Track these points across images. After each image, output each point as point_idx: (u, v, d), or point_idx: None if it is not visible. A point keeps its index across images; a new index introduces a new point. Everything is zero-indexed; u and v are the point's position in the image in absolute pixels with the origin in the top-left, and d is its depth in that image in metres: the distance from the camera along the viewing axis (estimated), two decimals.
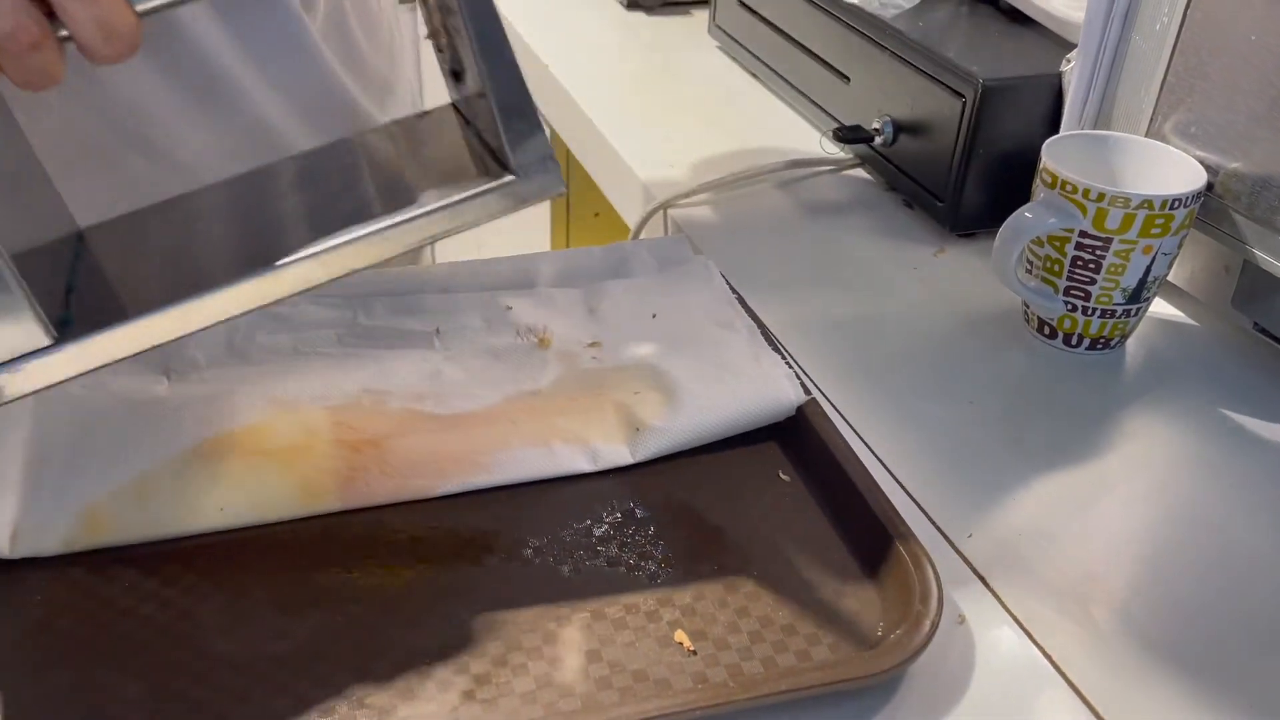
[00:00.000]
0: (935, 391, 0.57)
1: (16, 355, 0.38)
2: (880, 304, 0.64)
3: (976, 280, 0.66)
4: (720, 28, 0.97)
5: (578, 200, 1.10)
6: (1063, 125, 0.64)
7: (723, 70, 0.95)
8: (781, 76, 0.87)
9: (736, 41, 0.94)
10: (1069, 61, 0.65)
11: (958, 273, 0.67)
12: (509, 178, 0.43)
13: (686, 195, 0.74)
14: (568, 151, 1.05)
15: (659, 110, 0.87)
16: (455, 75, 0.48)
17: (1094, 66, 0.62)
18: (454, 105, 0.52)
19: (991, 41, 0.72)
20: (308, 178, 0.49)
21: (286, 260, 0.41)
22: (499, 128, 0.42)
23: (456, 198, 0.43)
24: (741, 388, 0.51)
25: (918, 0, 0.75)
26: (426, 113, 0.52)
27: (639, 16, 1.06)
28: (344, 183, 0.49)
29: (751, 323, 0.56)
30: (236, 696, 0.37)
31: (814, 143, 0.82)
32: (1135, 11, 0.60)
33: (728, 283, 0.60)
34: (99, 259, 0.46)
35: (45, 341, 0.38)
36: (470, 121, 0.48)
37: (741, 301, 0.58)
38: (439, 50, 0.49)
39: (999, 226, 0.57)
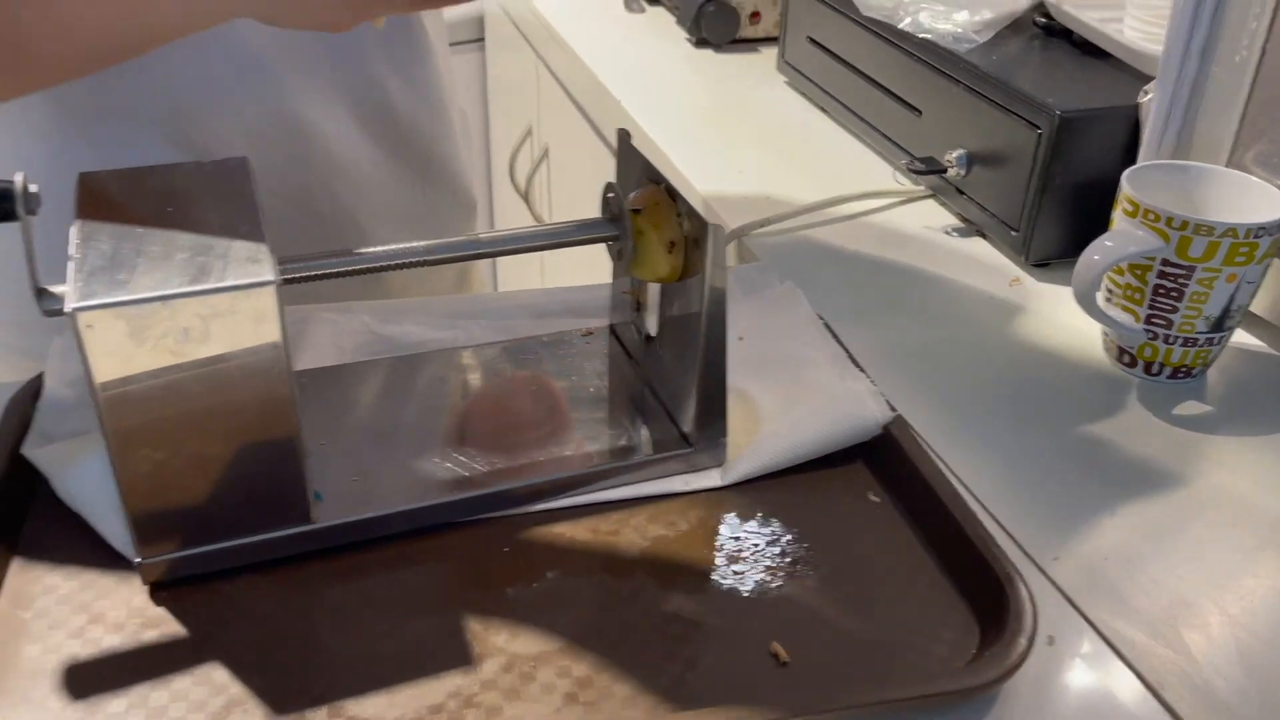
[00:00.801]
0: (1015, 418, 0.57)
1: (281, 533, 0.45)
2: (958, 332, 0.65)
3: (1053, 309, 0.67)
4: (789, 64, 0.99)
5: None
6: (1141, 156, 0.65)
7: (792, 104, 0.97)
8: (851, 110, 0.89)
9: (805, 77, 0.96)
10: (1146, 93, 0.66)
11: (1034, 301, 0.68)
12: (687, 449, 0.50)
13: (761, 224, 0.75)
14: None
15: (731, 144, 0.89)
16: (637, 306, 0.56)
17: (1172, 98, 0.62)
18: (613, 329, 0.59)
19: (1066, 74, 0.73)
20: (489, 376, 0.56)
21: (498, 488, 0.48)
22: (691, 405, 0.49)
23: (640, 459, 0.50)
24: (828, 407, 0.52)
25: (991, 35, 0.76)
26: (589, 331, 0.60)
27: (707, 53, 1.09)
28: (521, 395, 0.55)
29: (836, 345, 0.57)
30: (353, 690, 0.39)
31: (885, 175, 0.83)
32: (1214, 45, 0.61)
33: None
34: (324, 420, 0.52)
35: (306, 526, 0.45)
36: (641, 364, 0.56)
37: (826, 326, 0.59)
38: (635, 305, 0.56)
39: (1073, 256, 0.58)
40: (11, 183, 0.40)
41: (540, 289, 0.64)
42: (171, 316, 0.39)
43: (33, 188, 0.41)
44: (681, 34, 1.12)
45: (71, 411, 0.51)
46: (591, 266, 1.18)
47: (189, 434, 0.41)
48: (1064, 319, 0.65)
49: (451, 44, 0.80)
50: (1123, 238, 0.57)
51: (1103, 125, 0.67)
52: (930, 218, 0.78)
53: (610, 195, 0.51)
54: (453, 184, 0.77)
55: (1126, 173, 0.59)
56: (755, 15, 1.08)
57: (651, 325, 0.54)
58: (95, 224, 0.43)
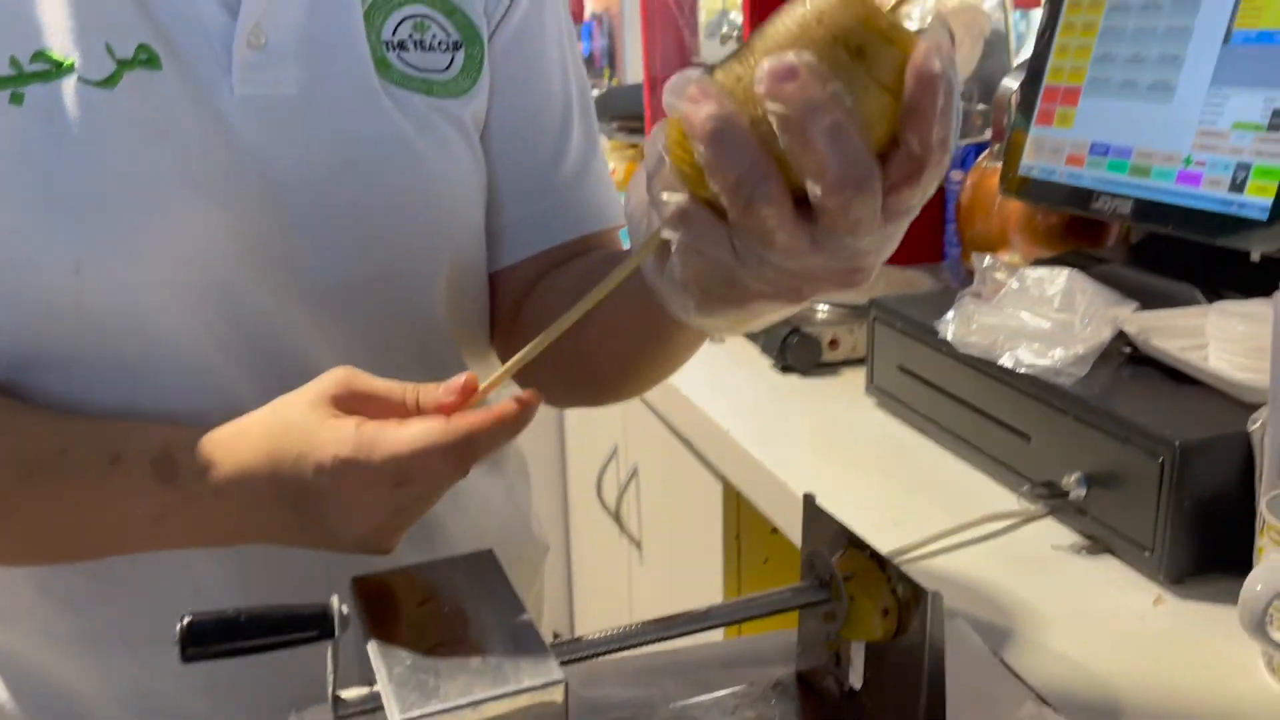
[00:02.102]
0: None
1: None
2: (1114, 652, 0.67)
3: (1204, 628, 0.70)
4: (879, 388, 1.07)
5: (749, 548, 1.16)
6: (1265, 484, 0.70)
7: (887, 426, 1.03)
8: (952, 433, 0.95)
9: (897, 400, 1.03)
10: (1255, 420, 0.72)
11: (1183, 621, 0.71)
12: None
13: (898, 555, 0.79)
14: (738, 498, 1.12)
15: (841, 468, 0.95)
16: (836, 660, 0.57)
17: None
18: (800, 678, 0.61)
19: (1166, 401, 0.79)
20: None
21: None
22: None
23: None
24: None
25: (1088, 369, 0.84)
26: (779, 683, 0.60)
27: (793, 378, 1.17)
28: None
29: (1016, 680, 0.60)
30: None
31: (997, 495, 0.88)
32: None
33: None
34: None
35: None
36: (845, 717, 0.57)
37: (1001, 662, 0.62)
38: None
39: (1208, 572, 0.62)
40: (328, 604, 0.45)
41: (720, 641, 0.68)
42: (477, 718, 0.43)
43: (344, 609, 0.46)
44: (766, 361, 1.21)
45: None
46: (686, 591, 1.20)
47: None
48: (1218, 637, 0.68)
49: None
50: (1279, 569, 0.61)
51: (1219, 451, 0.73)
52: (1055, 537, 0.82)
53: (814, 561, 0.55)
54: (522, 542, 0.81)
55: (1266, 502, 0.64)
56: (834, 342, 1.18)
57: (855, 679, 0.57)
58: (388, 634, 0.47)
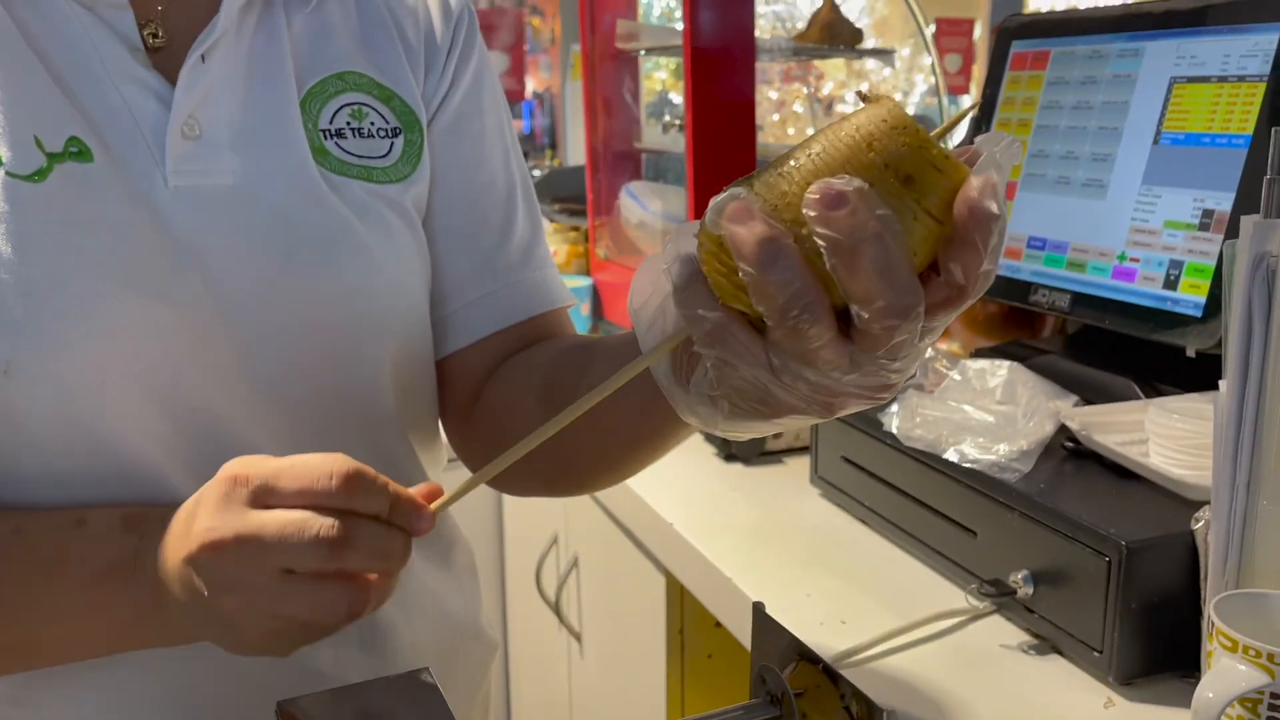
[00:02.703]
0: None
1: None
2: None
3: None
4: (823, 478, 1.06)
5: (692, 642, 1.13)
6: (1210, 585, 0.70)
7: (831, 516, 1.02)
8: (897, 526, 0.94)
9: (842, 491, 1.03)
10: (1198, 520, 0.72)
11: None
12: None
13: (847, 657, 0.77)
14: (681, 591, 1.10)
15: (785, 561, 0.93)
16: None
17: (1228, 531, 0.68)
18: None
19: (1110, 498, 0.79)
20: None
21: None
22: None
23: None
24: None
25: (1031, 464, 0.84)
26: None
27: (737, 466, 1.16)
28: None
29: None
30: None
31: (943, 590, 0.87)
32: (1257, 481, 0.68)
33: None
34: None
35: None
36: None
37: None
38: None
39: (1158, 672, 0.61)
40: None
41: None
42: None
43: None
44: (709, 448, 1.20)
45: None
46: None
47: None
48: None
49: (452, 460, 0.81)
50: (1229, 675, 0.60)
51: (1164, 551, 0.73)
52: (1003, 635, 0.81)
53: (765, 676, 0.53)
54: (472, 642, 0.78)
55: (1213, 607, 0.63)
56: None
57: None
58: None
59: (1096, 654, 0.74)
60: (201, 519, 0.49)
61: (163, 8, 0.62)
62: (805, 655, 0.54)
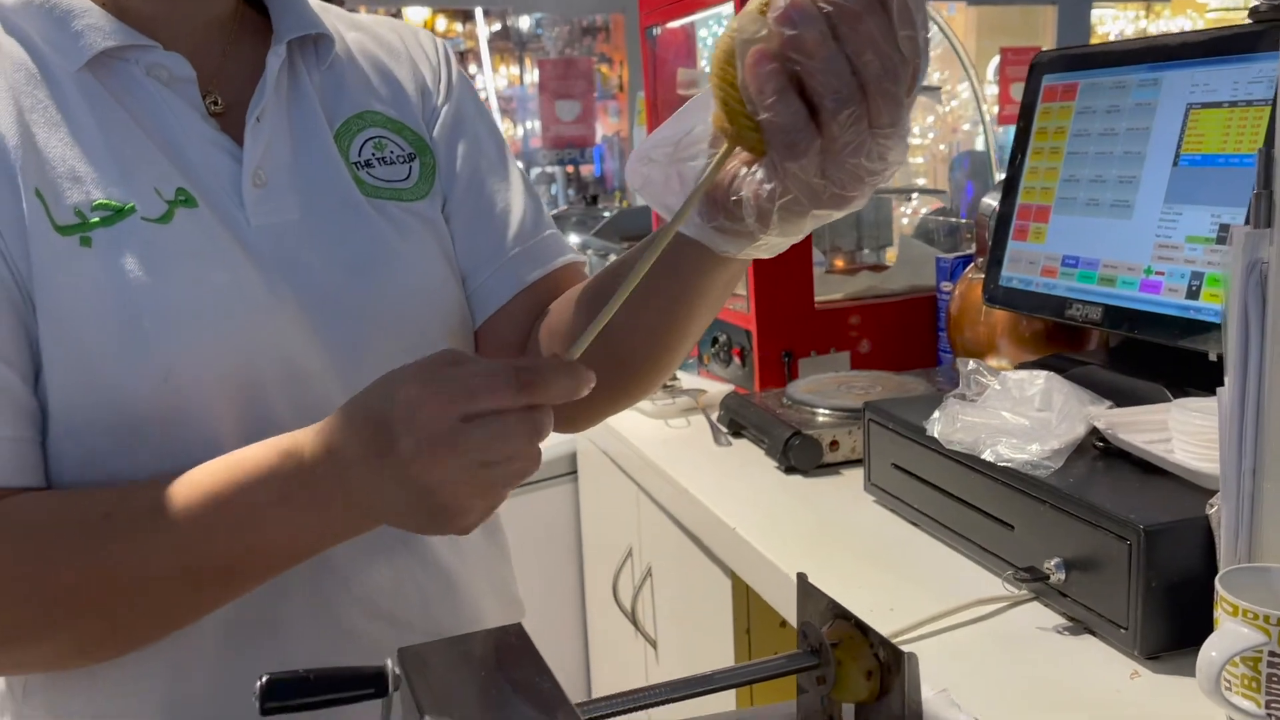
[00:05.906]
0: None
1: None
2: None
3: (1178, 697, 0.75)
4: (876, 485, 1.14)
5: (758, 640, 1.21)
6: (1222, 561, 0.76)
7: (884, 520, 1.10)
8: (943, 524, 1.02)
9: (893, 496, 1.10)
10: (1212, 505, 0.79)
11: (1158, 694, 0.77)
12: None
13: (894, 639, 0.85)
14: (747, 592, 1.18)
15: (842, 559, 1.01)
16: None
17: (1237, 513, 0.75)
18: None
19: (1135, 490, 0.86)
20: None
21: None
22: None
23: None
24: None
25: (1062, 461, 0.91)
26: None
27: (797, 479, 1.24)
28: None
29: None
30: None
31: (985, 581, 0.95)
32: (1261, 467, 0.75)
33: None
34: None
35: None
36: None
37: None
38: None
39: (1181, 647, 0.68)
40: (383, 667, 0.52)
41: (731, 711, 0.74)
42: None
43: (397, 671, 0.53)
44: (770, 463, 1.28)
45: None
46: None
47: None
48: (1188, 705, 0.74)
49: (547, 479, 0.92)
50: (1230, 636, 0.67)
51: (1182, 534, 0.79)
52: (1039, 619, 0.88)
53: (806, 631, 0.62)
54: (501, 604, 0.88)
55: (1219, 579, 0.70)
56: (834, 443, 1.25)
57: None
58: (434, 699, 0.54)
59: (1123, 630, 0.81)
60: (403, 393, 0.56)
61: (216, 79, 0.76)
62: (840, 614, 0.62)
